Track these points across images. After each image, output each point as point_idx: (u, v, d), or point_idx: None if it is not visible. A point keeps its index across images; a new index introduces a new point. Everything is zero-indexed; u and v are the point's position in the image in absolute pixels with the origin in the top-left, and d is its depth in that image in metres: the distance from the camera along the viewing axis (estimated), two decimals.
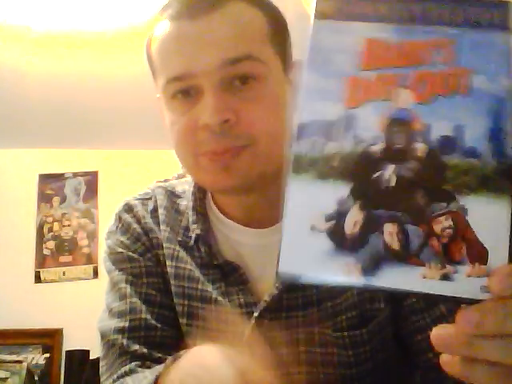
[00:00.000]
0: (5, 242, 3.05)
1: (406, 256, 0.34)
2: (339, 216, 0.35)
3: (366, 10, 0.37)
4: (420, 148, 0.35)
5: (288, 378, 0.67)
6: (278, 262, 0.35)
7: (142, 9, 2.13)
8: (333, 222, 0.35)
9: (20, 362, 2.74)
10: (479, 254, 0.34)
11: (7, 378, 2.66)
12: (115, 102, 2.74)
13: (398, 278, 0.34)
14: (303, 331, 0.68)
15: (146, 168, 3.06)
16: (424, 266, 0.34)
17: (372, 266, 0.34)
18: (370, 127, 0.36)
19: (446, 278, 0.34)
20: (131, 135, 3.09)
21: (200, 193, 0.77)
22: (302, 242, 0.34)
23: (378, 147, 0.35)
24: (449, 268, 0.34)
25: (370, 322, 0.68)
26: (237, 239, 0.73)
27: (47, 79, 2.58)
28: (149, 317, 0.70)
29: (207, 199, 0.78)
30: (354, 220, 0.35)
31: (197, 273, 0.72)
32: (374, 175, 0.35)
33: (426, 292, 0.34)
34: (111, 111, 2.85)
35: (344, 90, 0.36)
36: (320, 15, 0.38)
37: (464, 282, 0.34)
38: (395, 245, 0.34)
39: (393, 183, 0.35)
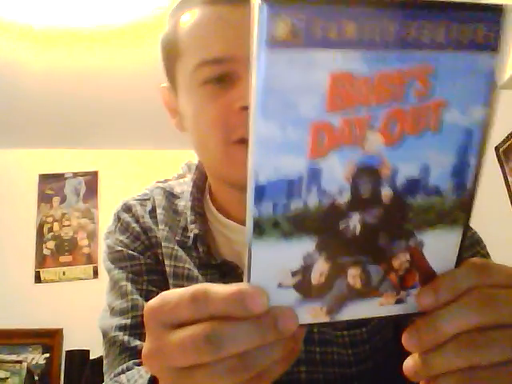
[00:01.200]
0: (5, 242, 3.05)
1: (366, 292, 0.35)
2: (305, 270, 0.33)
3: (329, 32, 0.28)
4: (385, 194, 0.33)
5: (287, 377, 0.67)
6: None
7: (144, 5, 2.12)
8: (299, 276, 0.33)
9: (20, 361, 2.74)
10: (429, 278, 0.35)
11: (7, 378, 2.67)
12: (116, 102, 2.74)
13: (358, 310, 0.35)
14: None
15: (146, 168, 3.06)
16: (382, 296, 0.35)
17: (337, 306, 0.35)
18: (335, 179, 0.31)
19: (399, 302, 0.36)
20: (131, 135, 3.09)
21: (198, 193, 0.77)
22: (270, 299, 0.33)
23: (343, 199, 0.32)
24: (402, 293, 0.36)
25: (369, 321, 0.69)
26: (235, 239, 0.73)
27: (47, 79, 2.58)
28: None
29: (205, 199, 0.78)
30: (319, 272, 0.34)
31: (195, 272, 0.72)
32: (340, 227, 0.33)
33: (379, 315, 0.36)
34: (111, 111, 2.85)
35: (307, 140, 0.30)
36: (270, 42, 0.28)
37: (413, 301, 0.36)
38: (358, 285, 0.35)
39: (357, 232, 0.33)
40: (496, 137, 2.46)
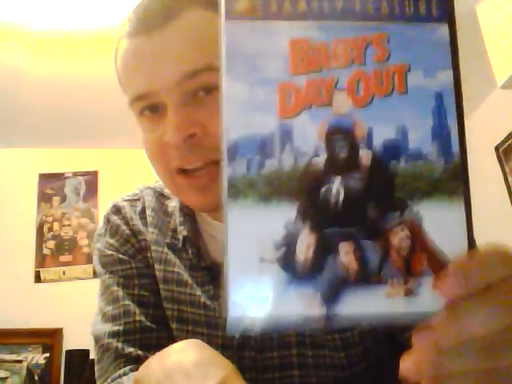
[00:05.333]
0: (5, 242, 3.05)
1: (366, 276, 0.32)
2: (289, 241, 0.31)
3: (284, 7, 0.33)
4: (364, 155, 0.33)
5: (280, 381, 0.67)
6: (225, 307, 0.31)
7: None
8: (283, 249, 0.31)
9: (20, 361, 2.74)
10: (440, 263, 0.32)
11: (7, 378, 2.67)
12: (116, 102, 2.74)
13: (361, 302, 0.32)
14: (294, 334, 0.67)
15: (145, 168, 3.05)
16: (386, 283, 0.32)
17: (332, 293, 0.31)
18: (309, 138, 0.32)
19: (410, 293, 0.32)
20: (131, 135, 3.09)
21: None
22: (252, 279, 0.31)
23: (320, 159, 0.32)
24: (411, 282, 0.32)
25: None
26: None
27: (47, 79, 2.58)
28: (143, 319, 0.69)
29: None
30: (306, 244, 0.31)
31: (185, 276, 0.71)
32: (321, 191, 0.32)
33: (392, 312, 0.32)
34: (112, 111, 2.85)
35: (275, 99, 0.32)
36: (232, 15, 0.33)
37: (429, 295, 0.32)
38: (353, 265, 0.32)
39: (341, 197, 0.32)
40: (496, 137, 2.45)
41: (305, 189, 0.32)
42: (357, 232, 0.32)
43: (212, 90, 0.61)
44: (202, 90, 0.61)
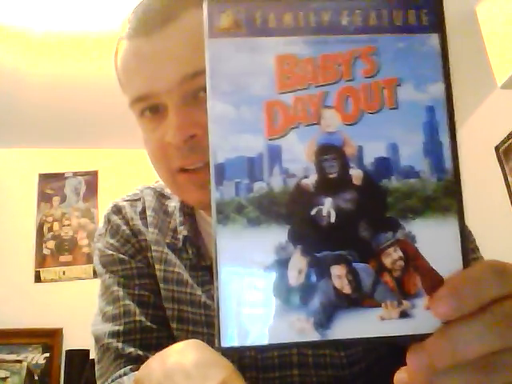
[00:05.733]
0: (5, 242, 3.05)
1: (359, 299, 0.31)
2: (280, 266, 0.30)
3: (269, 22, 0.32)
4: (355, 175, 0.32)
5: (280, 381, 0.67)
6: (218, 336, 0.30)
7: None
8: (274, 274, 0.30)
9: (20, 361, 2.74)
10: (434, 283, 0.31)
11: (7, 378, 2.67)
12: (116, 102, 2.74)
13: (354, 326, 0.31)
14: None
15: (145, 168, 3.05)
16: (380, 306, 0.31)
17: (325, 318, 0.31)
18: (297, 158, 0.31)
19: (404, 315, 0.31)
20: (131, 135, 3.09)
21: None
22: (244, 306, 0.30)
23: (310, 180, 0.31)
24: (406, 304, 0.32)
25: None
26: None
27: (47, 79, 2.58)
28: (143, 319, 0.70)
29: None
30: (297, 268, 0.31)
31: (185, 276, 0.72)
32: (312, 213, 0.31)
33: (386, 335, 0.31)
34: (111, 111, 2.85)
35: (262, 119, 0.31)
36: (215, 33, 0.32)
37: (424, 316, 0.31)
38: (346, 288, 0.31)
39: (333, 219, 0.31)
40: (496, 137, 2.46)
41: (295, 211, 0.31)
42: (349, 254, 0.31)
43: None
44: (203, 90, 0.61)
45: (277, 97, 0.32)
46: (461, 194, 0.33)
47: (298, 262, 0.31)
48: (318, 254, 0.31)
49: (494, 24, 2.02)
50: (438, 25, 0.33)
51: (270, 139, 0.31)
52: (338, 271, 0.31)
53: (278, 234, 0.31)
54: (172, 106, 0.62)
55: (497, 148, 2.43)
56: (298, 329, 0.31)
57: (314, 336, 0.31)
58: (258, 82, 0.32)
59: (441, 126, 0.32)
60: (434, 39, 0.33)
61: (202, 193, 0.65)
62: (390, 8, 0.33)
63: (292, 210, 0.31)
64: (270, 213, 0.31)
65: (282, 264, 0.31)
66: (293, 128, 0.32)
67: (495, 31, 2.02)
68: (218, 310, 0.30)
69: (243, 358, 0.67)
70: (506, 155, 2.39)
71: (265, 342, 0.31)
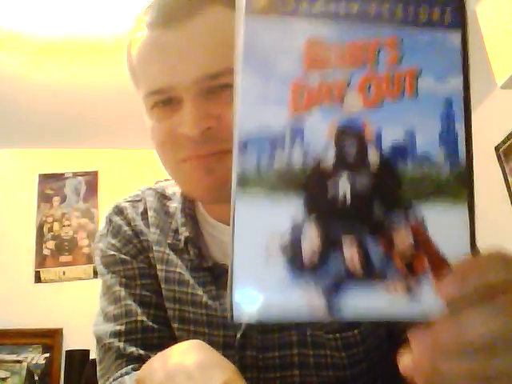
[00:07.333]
0: (5, 242, 3.05)
1: (368, 271, 0.32)
2: (294, 233, 0.32)
3: (302, 5, 0.34)
4: (372, 157, 0.33)
5: (282, 380, 0.67)
6: (230, 294, 0.31)
7: None
8: (288, 239, 0.32)
9: (20, 361, 2.74)
10: (441, 265, 0.33)
11: (7, 378, 2.67)
12: (115, 102, 2.74)
13: (362, 296, 0.32)
14: (296, 333, 0.68)
15: (146, 168, 3.06)
16: (388, 280, 0.33)
17: (334, 286, 0.32)
18: (319, 136, 0.33)
19: (411, 291, 0.32)
20: (131, 135, 3.09)
21: None
22: (257, 268, 0.31)
23: (329, 158, 0.33)
24: (413, 281, 0.33)
25: (362, 322, 0.68)
26: (226, 241, 0.73)
27: (48, 80, 2.59)
28: (145, 319, 0.70)
29: (196, 201, 0.77)
30: (310, 236, 0.32)
31: (187, 276, 0.72)
32: (328, 188, 0.33)
33: (392, 308, 0.32)
34: (112, 111, 2.85)
35: (288, 95, 0.33)
36: (252, 10, 0.34)
37: (430, 295, 0.32)
38: (356, 259, 0.32)
39: (348, 192, 0.33)
40: (496, 137, 2.46)
41: (312, 182, 0.33)
42: (361, 227, 0.33)
43: (229, 87, 0.60)
44: (221, 87, 0.62)
45: (304, 76, 0.33)
46: (472, 183, 0.34)
47: (312, 230, 0.32)
48: (331, 224, 0.33)
49: (494, 24, 2.02)
50: (460, 22, 0.35)
51: (293, 114, 0.33)
52: (349, 241, 0.32)
53: (294, 203, 0.32)
54: (188, 99, 0.62)
55: (497, 148, 2.43)
56: (308, 293, 0.32)
57: (321, 302, 0.32)
58: (287, 60, 0.33)
59: (457, 117, 0.34)
60: (455, 36, 0.35)
61: (209, 178, 0.65)
62: (416, 4, 0.35)
63: (309, 181, 0.33)
64: (288, 182, 0.32)
65: (297, 230, 0.32)
66: (316, 106, 0.33)
67: (495, 31, 2.02)
68: (232, 269, 0.32)
69: (244, 358, 0.67)
70: (506, 155, 2.39)
71: (274, 302, 0.32)
